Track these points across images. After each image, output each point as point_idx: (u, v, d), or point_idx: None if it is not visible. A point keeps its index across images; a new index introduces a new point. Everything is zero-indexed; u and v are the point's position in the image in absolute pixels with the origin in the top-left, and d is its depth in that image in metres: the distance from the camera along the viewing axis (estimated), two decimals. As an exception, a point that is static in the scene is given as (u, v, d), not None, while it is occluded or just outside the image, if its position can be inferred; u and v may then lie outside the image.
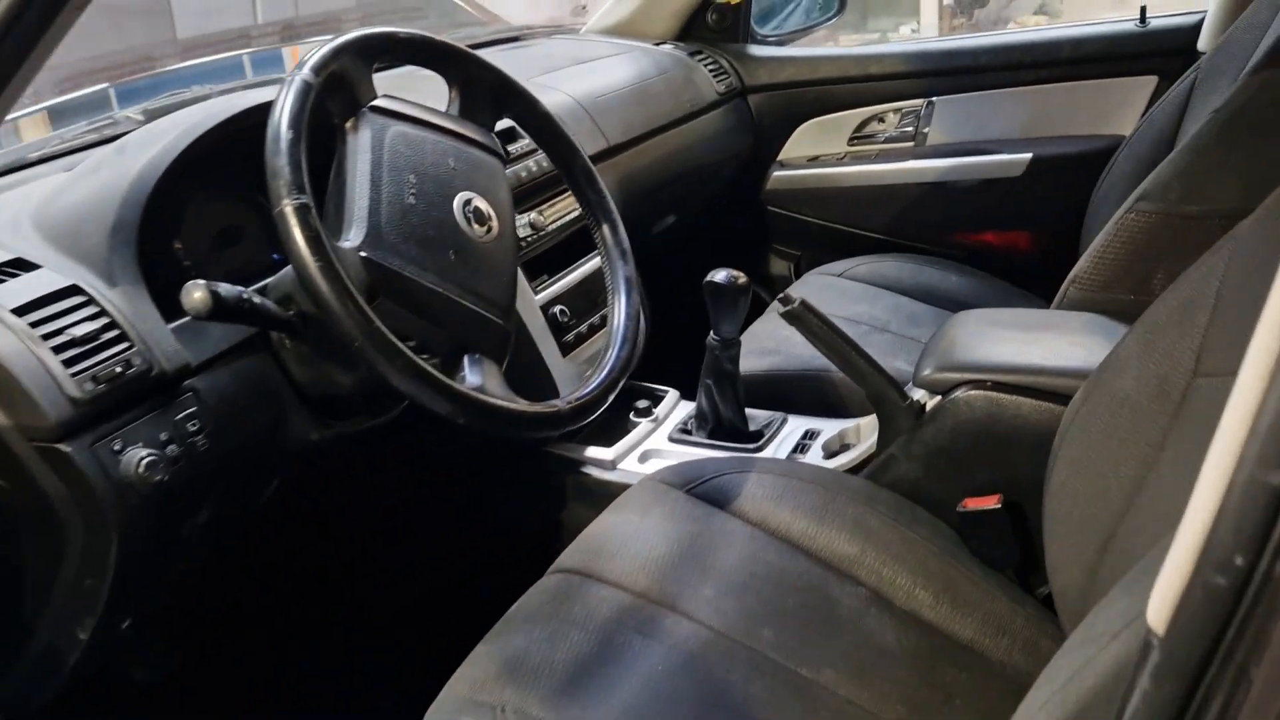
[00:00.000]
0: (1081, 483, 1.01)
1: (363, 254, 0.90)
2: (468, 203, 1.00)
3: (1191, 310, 0.92)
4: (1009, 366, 1.17)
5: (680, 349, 1.77)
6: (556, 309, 1.41)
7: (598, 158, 1.63)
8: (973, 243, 2.02)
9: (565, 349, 1.42)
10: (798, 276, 2.20)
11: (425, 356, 0.96)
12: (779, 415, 1.52)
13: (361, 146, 0.96)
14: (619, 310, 1.11)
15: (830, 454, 1.40)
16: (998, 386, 1.16)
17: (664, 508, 1.20)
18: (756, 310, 1.67)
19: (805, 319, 1.23)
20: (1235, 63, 1.42)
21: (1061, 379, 1.14)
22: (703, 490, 1.22)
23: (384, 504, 1.63)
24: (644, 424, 1.51)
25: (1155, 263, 1.26)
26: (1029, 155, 1.89)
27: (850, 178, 2.08)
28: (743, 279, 1.37)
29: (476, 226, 1.00)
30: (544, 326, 1.40)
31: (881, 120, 2.07)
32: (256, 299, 0.92)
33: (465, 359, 0.95)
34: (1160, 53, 1.80)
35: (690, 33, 2.18)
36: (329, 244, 0.84)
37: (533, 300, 1.39)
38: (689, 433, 1.49)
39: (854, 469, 1.33)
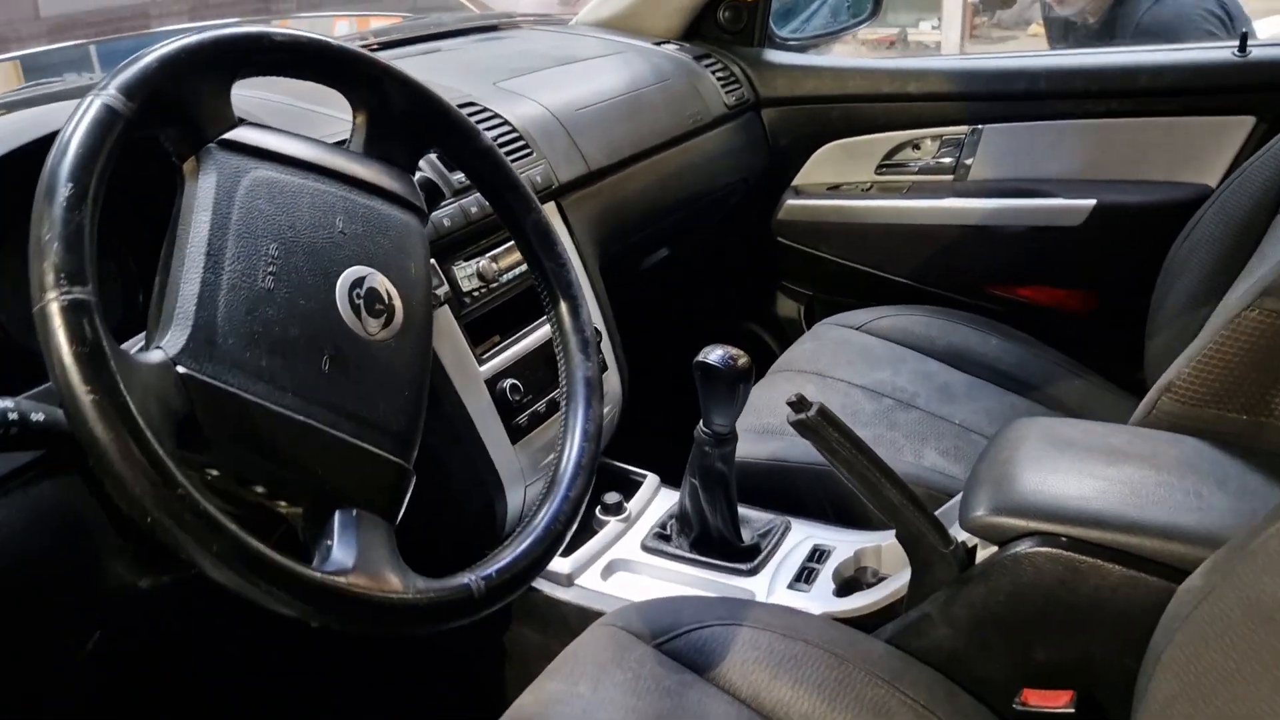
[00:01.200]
0: (1198, 709, 0.72)
1: (179, 369, 0.60)
2: (357, 284, 0.70)
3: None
4: (1093, 517, 0.88)
5: (664, 417, 1.48)
6: (507, 384, 1.11)
7: (575, 185, 1.33)
8: (1017, 299, 1.73)
9: (516, 434, 1.13)
10: (808, 322, 1.92)
11: (280, 505, 0.67)
12: (780, 521, 1.22)
13: (201, 201, 0.66)
14: (572, 431, 0.82)
15: (843, 586, 1.11)
16: (1076, 544, 0.87)
17: (625, 673, 0.91)
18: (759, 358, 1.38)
19: (823, 434, 0.94)
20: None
21: (1169, 545, 0.85)
22: (677, 647, 0.94)
23: (261, 659, 1.34)
24: (612, 524, 1.22)
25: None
26: (1091, 201, 1.59)
27: (876, 212, 1.78)
28: (743, 360, 1.07)
29: (369, 319, 0.70)
30: (489, 406, 1.11)
31: (917, 147, 1.77)
32: (36, 415, 0.62)
33: (335, 517, 0.65)
34: (1261, 88, 1.50)
35: (698, 32, 1.87)
36: (112, 361, 0.55)
37: (476, 373, 1.10)
38: (668, 538, 1.20)
39: (874, 614, 1.04)
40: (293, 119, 0.77)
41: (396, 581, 0.63)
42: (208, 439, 0.61)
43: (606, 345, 1.31)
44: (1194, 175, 1.55)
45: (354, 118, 0.80)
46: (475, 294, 1.11)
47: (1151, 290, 1.43)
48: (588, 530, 1.21)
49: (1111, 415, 1.44)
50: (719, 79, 1.74)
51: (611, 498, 1.24)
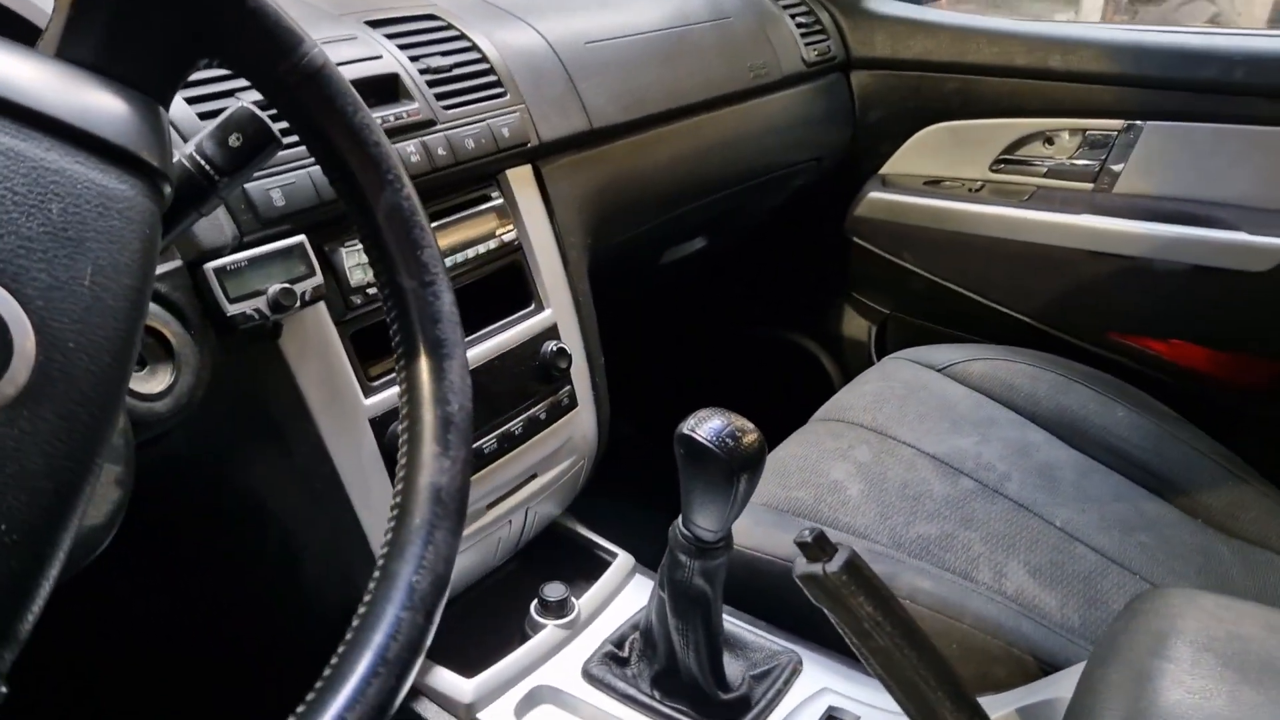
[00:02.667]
0: None
1: None
2: None
3: None
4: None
5: (670, 464, 1.12)
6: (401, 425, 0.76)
7: (564, 145, 0.97)
8: (1158, 356, 1.32)
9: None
10: (879, 350, 1.54)
11: None
12: (789, 654, 0.86)
13: None
14: (387, 594, 0.46)
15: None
16: None
17: None
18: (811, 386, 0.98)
19: (847, 602, 0.57)
20: None
21: None
22: None
23: None
24: (550, 630, 0.87)
25: None
26: (1287, 242, 1.18)
27: (984, 221, 1.39)
28: (749, 440, 0.70)
29: None
30: (374, 457, 0.76)
31: (1050, 142, 1.37)
32: None
33: None
34: None
35: (787, -38, 1.48)
36: None
37: (358, 407, 0.75)
38: (625, 661, 0.85)
39: None
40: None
41: None
42: None
43: (580, 370, 0.95)
44: None
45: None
46: (369, 291, 0.76)
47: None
48: (512, 636, 0.87)
49: (1275, 534, 1.06)
50: (800, 25, 1.36)
51: (554, 591, 0.88)
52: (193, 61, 0.48)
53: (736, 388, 0.99)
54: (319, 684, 0.44)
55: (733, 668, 0.84)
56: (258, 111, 0.53)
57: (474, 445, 0.81)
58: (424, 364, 0.52)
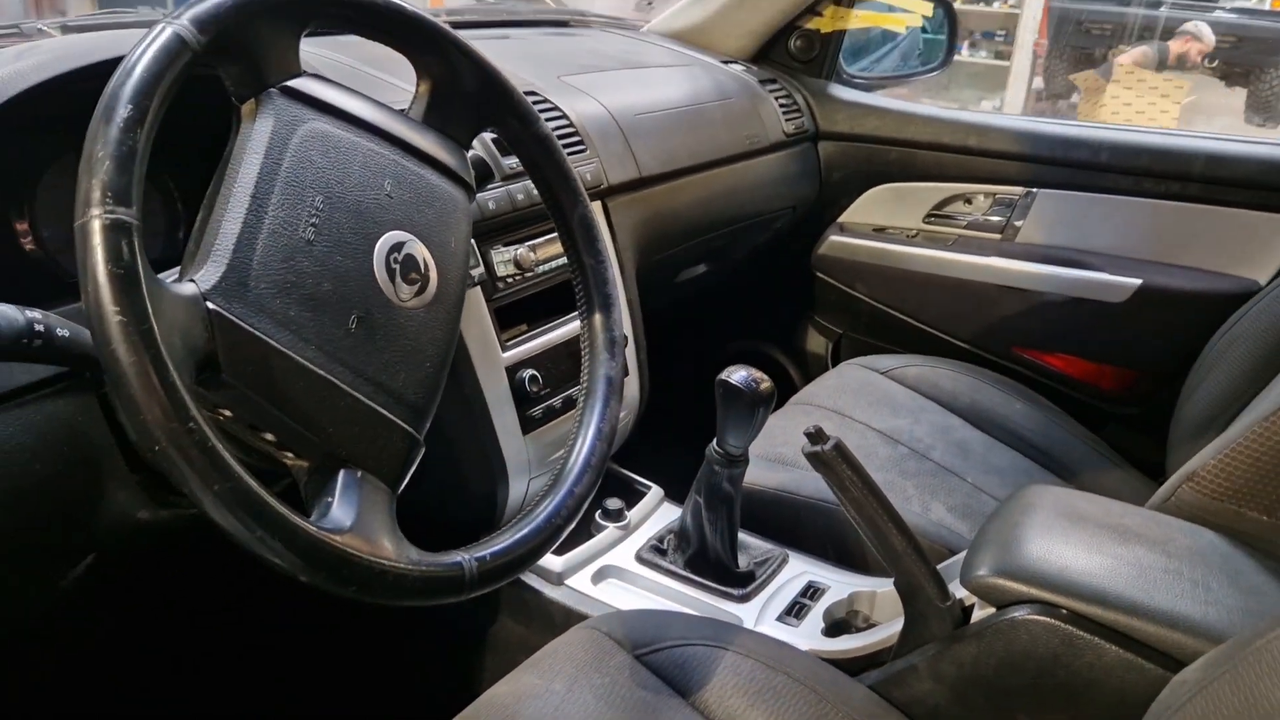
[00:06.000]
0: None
1: (209, 305, 0.60)
2: (396, 249, 0.70)
3: None
4: (1097, 594, 0.86)
5: (677, 431, 1.47)
6: (527, 374, 1.11)
7: (624, 188, 1.33)
8: (1046, 366, 1.70)
9: (529, 425, 1.12)
10: (834, 359, 1.90)
11: (288, 456, 0.66)
12: (779, 551, 1.21)
13: (254, 144, 0.66)
14: (586, 428, 0.81)
15: (832, 627, 1.09)
16: (1076, 619, 0.86)
17: (603, 677, 0.90)
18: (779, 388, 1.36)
19: (837, 470, 0.93)
20: None
21: (1171, 633, 0.83)
22: (658, 661, 0.93)
23: (238, 613, 1.33)
24: (610, 530, 1.21)
25: (1307, 482, 0.95)
26: (1137, 281, 1.57)
27: (918, 260, 1.77)
28: (765, 385, 1.06)
29: (403, 285, 0.70)
30: (506, 394, 1.10)
31: (969, 201, 1.75)
32: (62, 330, 0.63)
33: (339, 476, 0.65)
34: (1327, 193, 1.48)
35: (767, 56, 1.86)
36: (145, 285, 0.55)
37: (498, 359, 1.09)
38: (664, 552, 1.19)
39: (860, 659, 1.02)
40: (356, 79, 0.77)
41: (390, 549, 0.63)
42: (226, 379, 0.61)
43: (630, 351, 1.30)
44: (1244, 269, 1.53)
45: (417, 85, 0.80)
46: (509, 280, 1.10)
47: (1184, 378, 1.41)
48: (584, 532, 1.20)
49: (1125, 495, 1.42)
50: (781, 105, 1.73)
51: (613, 503, 1.23)
52: (483, 129, 0.84)
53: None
54: (556, 473, 0.79)
55: (741, 558, 1.19)
56: (485, 158, 0.90)
57: (552, 401, 1.15)
58: (598, 306, 0.87)
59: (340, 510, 0.63)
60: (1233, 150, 1.55)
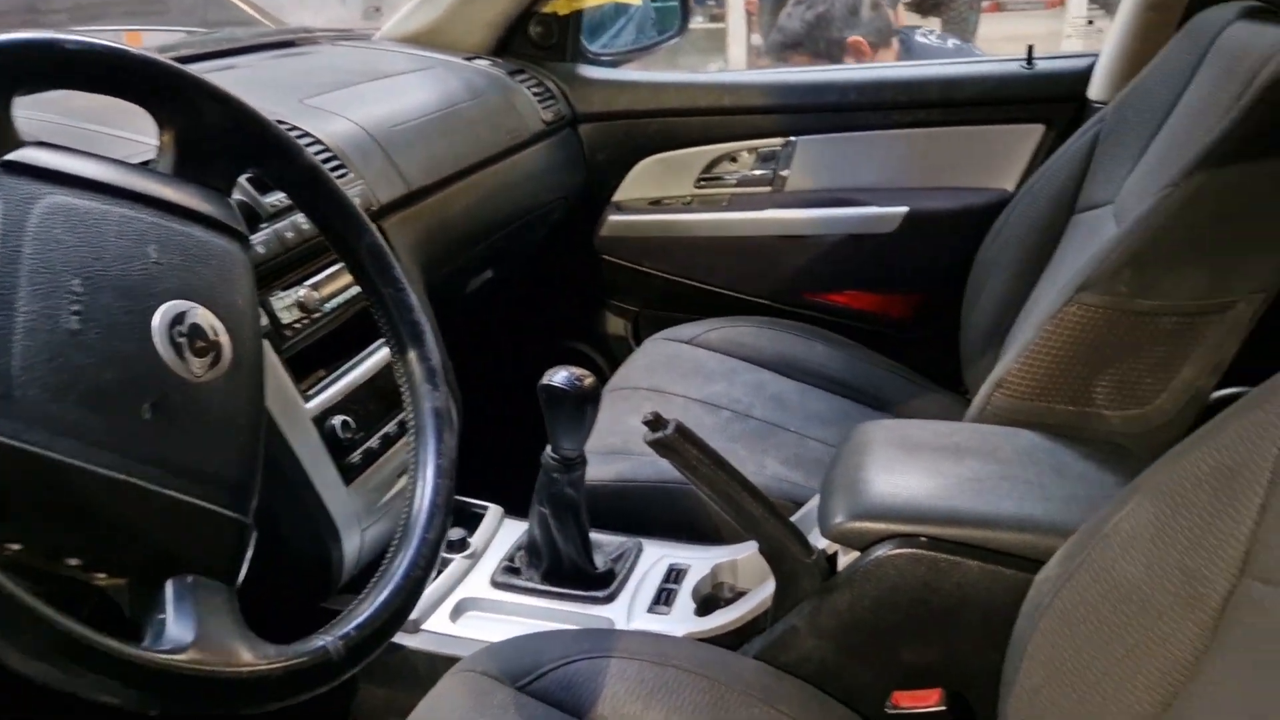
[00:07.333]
0: (1065, 695, 0.74)
1: (-34, 429, 0.51)
2: (178, 320, 0.62)
3: (1234, 482, 0.66)
4: (948, 515, 0.89)
5: (500, 445, 1.42)
6: (336, 421, 1.03)
7: (395, 206, 1.26)
8: (839, 305, 1.76)
9: (350, 473, 1.04)
10: (636, 339, 1.90)
11: (100, 578, 0.58)
12: (632, 543, 1.19)
13: None
14: (424, 468, 0.76)
15: (703, 604, 1.08)
16: (935, 543, 0.88)
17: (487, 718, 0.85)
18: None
19: (683, 452, 0.91)
20: (1148, 119, 1.21)
21: (1022, 536, 0.87)
22: (544, 687, 0.89)
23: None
24: (457, 561, 1.16)
25: (1100, 367, 1.02)
26: (903, 209, 1.65)
27: (697, 225, 1.79)
28: (589, 381, 1.03)
29: (193, 359, 0.62)
30: (318, 446, 1.02)
31: (734, 160, 1.78)
32: None
33: (168, 588, 0.57)
34: (1048, 99, 1.59)
35: (509, 47, 1.82)
36: None
37: (302, 411, 1.01)
38: (517, 571, 1.15)
39: (739, 631, 1.02)
40: (82, 141, 0.67)
41: (246, 654, 0.56)
42: (7, 508, 0.52)
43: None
44: (994, 181, 1.63)
45: (160, 136, 0.71)
46: (296, 326, 1.02)
47: (963, 292, 1.49)
48: (431, 570, 1.14)
49: (938, 412, 1.49)
50: (534, 94, 1.70)
51: (455, 533, 1.17)
52: (243, 171, 0.76)
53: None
54: (403, 521, 0.73)
55: (596, 557, 1.16)
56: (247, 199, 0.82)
57: (369, 443, 1.08)
58: (407, 337, 0.81)
59: (177, 626, 0.55)
60: (962, 73, 1.65)
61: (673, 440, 0.91)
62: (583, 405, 1.03)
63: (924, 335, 1.72)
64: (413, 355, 0.81)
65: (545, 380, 1.02)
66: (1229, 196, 0.97)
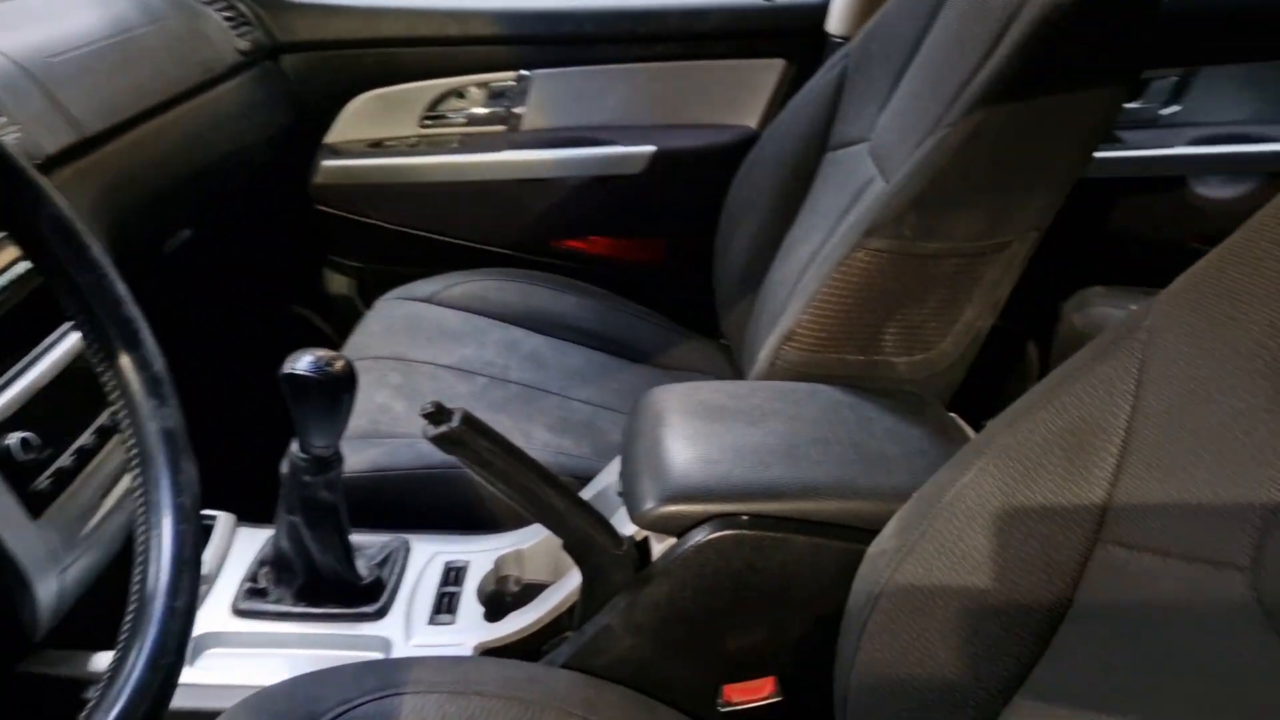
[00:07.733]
0: (913, 672, 0.71)
1: None
2: None
3: (1086, 443, 0.64)
4: (768, 489, 0.82)
5: (218, 436, 1.20)
6: (13, 440, 0.80)
7: (65, 157, 1.01)
8: (586, 253, 1.66)
9: (38, 504, 0.82)
10: (365, 299, 1.70)
11: None
12: (396, 541, 1.05)
13: None
14: (158, 512, 0.57)
15: (492, 606, 0.96)
16: (757, 521, 0.81)
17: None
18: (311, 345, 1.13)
19: (474, 445, 0.78)
20: (894, 55, 1.19)
21: (847, 504, 0.82)
22: (327, 739, 0.73)
23: None
24: (187, 589, 0.95)
25: (888, 314, 0.99)
26: (650, 148, 1.56)
27: (426, 170, 1.61)
28: (340, 364, 0.87)
29: None
30: (-10, 473, 0.79)
31: (462, 95, 1.62)
32: None
33: None
34: (789, 32, 1.55)
35: (188, -38, 1.53)
36: None
37: (-39, 432, 0.77)
38: (264, 593, 0.97)
39: (538, 634, 0.91)
40: None
41: None
42: None
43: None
44: (737, 118, 1.58)
45: None
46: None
47: (714, 234, 1.44)
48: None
49: (699, 361, 1.44)
50: (227, 19, 1.44)
51: (182, 555, 0.97)
52: None
53: (258, 362, 1.08)
54: (136, 591, 0.55)
55: (357, 563, 1.00)
56: None
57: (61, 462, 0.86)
58: (119, 341, 0.61)
59: None
60: (702, 3, 1.57)
61: (460, 434, 0.77)
62: (337, 394, 0.86)
63: (675, 280, 1.65)
64: (126, 362, 0.61)
65: (288, 368, 0.85)
66: (1004, 137, 0.95)
